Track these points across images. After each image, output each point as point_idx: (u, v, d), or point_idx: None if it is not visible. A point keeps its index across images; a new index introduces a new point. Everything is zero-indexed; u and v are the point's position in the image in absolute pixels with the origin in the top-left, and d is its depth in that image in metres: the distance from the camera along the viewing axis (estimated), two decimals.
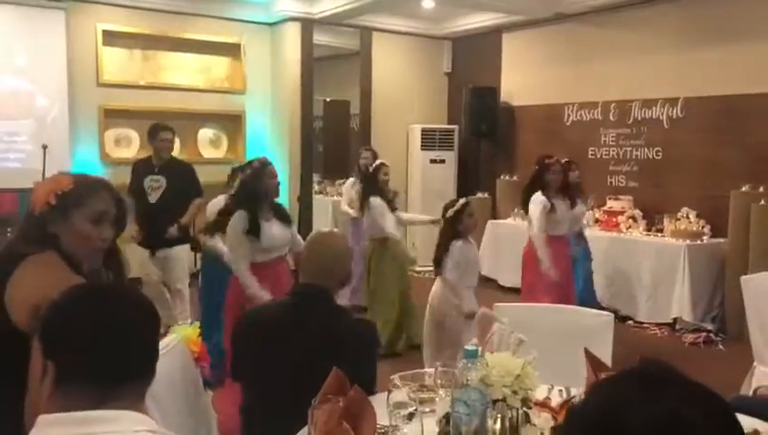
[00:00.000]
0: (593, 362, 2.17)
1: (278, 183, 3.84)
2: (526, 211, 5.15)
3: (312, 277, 2.23)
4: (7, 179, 6.58)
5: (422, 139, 8.64)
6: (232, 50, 7.96)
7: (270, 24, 8.08)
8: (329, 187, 9.73)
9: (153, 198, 5.19)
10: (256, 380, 2.13)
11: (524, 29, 8.04)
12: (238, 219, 3.63)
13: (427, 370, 2.22)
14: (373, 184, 5.34)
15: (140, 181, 5.20)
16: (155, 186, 5.19)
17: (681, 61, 6.60)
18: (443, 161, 8.75)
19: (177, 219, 5.16)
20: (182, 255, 5.36)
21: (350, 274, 2.36)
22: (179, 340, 2.31)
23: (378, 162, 5.49)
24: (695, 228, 6.14)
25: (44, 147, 5.89)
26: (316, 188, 9.07)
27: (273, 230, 3.68)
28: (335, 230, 2.39)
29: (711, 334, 5.66)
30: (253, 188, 3.72)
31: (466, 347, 1.63)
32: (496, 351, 2.12)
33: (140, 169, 5.30)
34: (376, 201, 5.24)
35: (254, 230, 3.60)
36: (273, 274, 3.70)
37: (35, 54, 6.69)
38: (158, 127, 5.37)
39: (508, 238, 7.11)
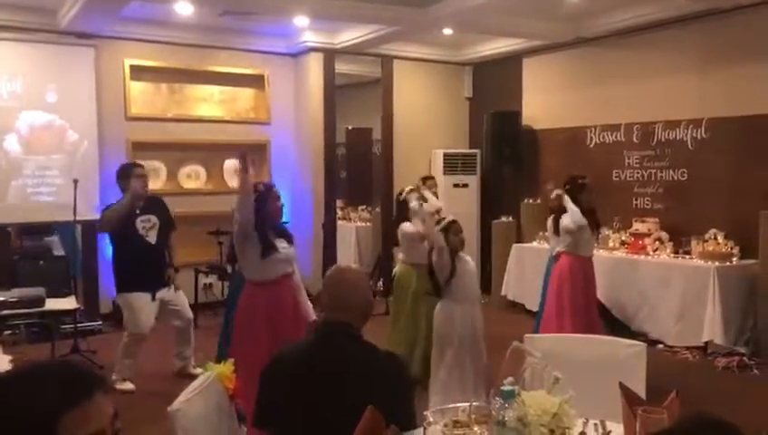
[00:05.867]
0: (628, 396, 2.16)
1: (282, 205, 4.06)
2: (555, 231, 5.24)
3: (333, 312, 2.23)
4: (40, 213, 6.74)
5: (444, 163, 8.68)
6: (256, 81, 8.10)
7: (293, 56, 8.22)
8: (352, 212, 9.80)
9: (152, 238, 5.08)
10: (287, 423, 2.11)
11: (545, 53, 8.07)
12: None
13: (460, 405, 2.22)
14: (405, 211, 5.33)
15: (131, 226, 5.00)
16: (148, 226, 5.06)
17: (703, 81, 6.58)
18: (466, 186, 8.76)
19: (168, 258, 5.21)
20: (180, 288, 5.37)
21: (372, 305, 2.36)
22: (214, 377, 2.34)
23: (408, 188, 5.47)
24: (723, 250, 6.07)
25: (75, 181, 5.98)
26: (339, 214, 9.14)
27: (281, 245, 3.95)
28: (352, 265, 2.40)
29: (744, 358, 5.56)
30: (259, 211, 3.91)
31: (503, 387, 1.63)
32: (529, 386, 2.12)
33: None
34: (406, 226, 5.27)
35: (266, 251, 3.85)
36: (278, 290, 3.92)
37: (66, 90, 6.86)
38: (131, 164, 5.21)
39: (533, 262, 7.08)
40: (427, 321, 5.00)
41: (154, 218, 5.11)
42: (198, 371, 5.18)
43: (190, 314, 5.37)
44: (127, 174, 5.03)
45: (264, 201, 3.96)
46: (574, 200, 5.18)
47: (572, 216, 5.12)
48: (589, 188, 5.29)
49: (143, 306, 5.05)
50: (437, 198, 5.68)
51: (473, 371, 4.10)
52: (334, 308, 2.22)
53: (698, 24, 6.53)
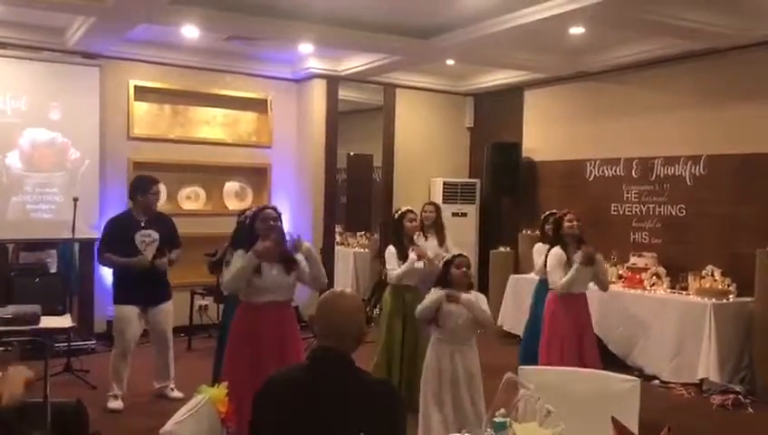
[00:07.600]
0: (620, 430, 2.16)
1: (273, 225, 3.87)
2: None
3: (326, 339, 2.23)
4: (39, 230, 6.74)
5: (444, 192, 8.72)
6: (259, 105, 8.16)
7: (296, 81, 8.30)
8: (350, 238, 9.81)
9: (149, 254, 5.13)
10: None
11: (546, 86, 8.16)
12: (238, 255, 3.89)
13: None
14: (395, 231, 5.26)
15: (130, 240, 5.07)
16: (148, 241, 5.12)
17: (703, 118, 6.64)
18: (464, 215, 8.79)
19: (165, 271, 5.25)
20: (171, 308, 5.36)
21: (365, 330, 2.36)
22: (206, 400, 2.33)
23: (403, 208, 5.42)
24: (720, 287, 6.07)
25: (75, 199, 6.00)
26: (338, 239, 9.15)
27: (270, 272, 3.85)
28: (346, 290, 2.39)
29: (740, 396, 5.53)
30: (246, 230, 3.98)
31: (495, 419, 1.63)
32: (521, 418, 2.12)
33: (123, 225, 5.15)
34: (388, 250, 5.21)
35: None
36: (268, 317, 3.85)
37: (69, 109, 6.91)
38: (150, 179, 5.30)
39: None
40: (408, 344, 5.01)
41: (155, 234, 5.16)
42: (176, 394, 5.17)
43: (169, 335, 5.33)
44: (144, 189, 5.20)
45: (251, 225, 3.90)
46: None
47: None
48: (555, 220, 5.13)
49: (130, 320, 5.12)
50: (441, 225, 5.68)
51: (471, 412, 3.85)
52: (328, 335, 2.22)
53: (696, 63, 6.62)
